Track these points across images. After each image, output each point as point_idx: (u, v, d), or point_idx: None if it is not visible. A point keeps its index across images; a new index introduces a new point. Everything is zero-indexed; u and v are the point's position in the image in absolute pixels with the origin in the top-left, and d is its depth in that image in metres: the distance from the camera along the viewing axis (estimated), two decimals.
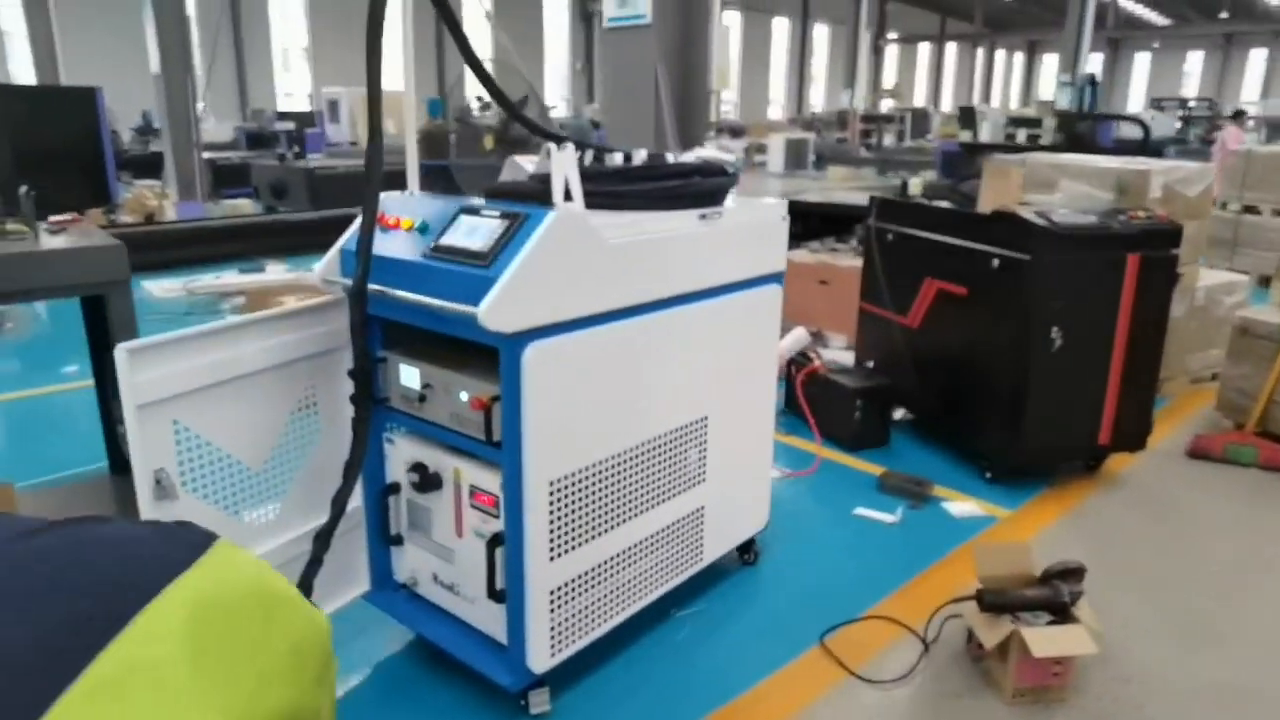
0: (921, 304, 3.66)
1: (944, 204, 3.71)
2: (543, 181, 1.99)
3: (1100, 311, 3.16)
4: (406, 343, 2.14)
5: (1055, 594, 2.18)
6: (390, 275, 1.95)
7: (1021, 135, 14.14)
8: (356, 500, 2.21)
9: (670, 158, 2.34)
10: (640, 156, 2.33)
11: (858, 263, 5.07)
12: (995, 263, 3.22)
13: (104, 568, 0.78)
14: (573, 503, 1.99)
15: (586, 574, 2.08)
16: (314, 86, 22.90)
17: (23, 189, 2.57)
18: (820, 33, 34.48)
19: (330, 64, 22.86)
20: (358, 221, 2.03)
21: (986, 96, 41.56)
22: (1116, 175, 4.06)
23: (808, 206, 5.70)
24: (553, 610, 2.00)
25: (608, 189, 2.09)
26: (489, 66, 2.41)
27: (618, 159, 2.25)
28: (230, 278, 6.79)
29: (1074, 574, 2.23)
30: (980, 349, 3.36)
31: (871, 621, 2.50)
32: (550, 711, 2.07)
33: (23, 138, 2.93)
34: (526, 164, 2.25)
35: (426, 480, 2.08)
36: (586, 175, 1.99)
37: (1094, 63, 24.99)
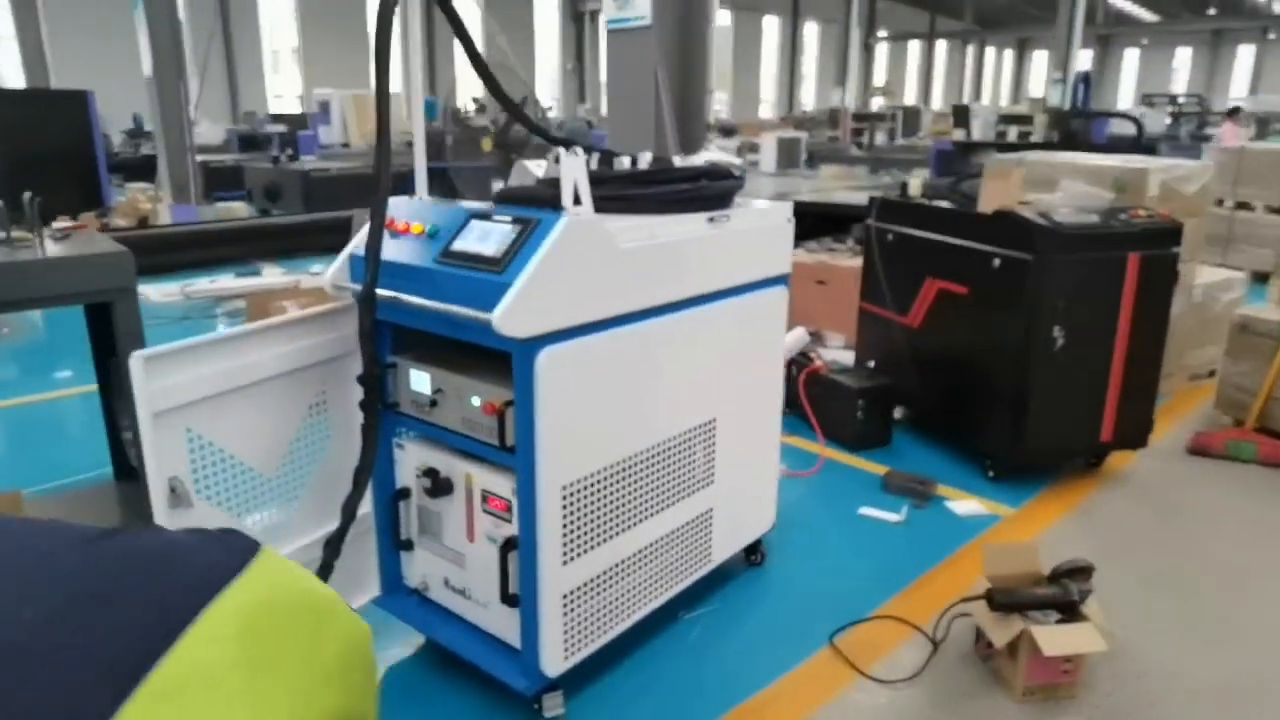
0: (922, 304, 3.67)
1: (944, 204, 3.71)
2: (552, 186, 2.00)
3: (1102, 310, 3.18)
4: (416, 347, 2.14)
5: (1064, 592, 2.19)
6: (401, 281, 1.95)
7: (1012, 133, 14.20)
8: (367, 505, 2.21)
9: (677, 161, 2.35)
10: (646, 159, 2.34)
11: (855, 262, 5.09)
12: (996, 262, 3.23)
13: (160, 574, 0.78)
14: (585, 507, 1.99)
15: (598, 577, 2.08)
16: (305, 88, 22.83)
17: (26, 196, 2.57)
18: (810, 31, 34.53)
19: (321, 65, 22.81)
20: (366, 227, 2.02)
21: (977, 94, 41.68)
22: (1115, 174, 4.08)
23: (805, 206, 5.71)
24: (566, 614, 2.01)
25: (617, 193, 2.10)
26: (505, 73, 2.41)
27: (625, 163, 2.25)
28: (226, 281, 6.77)
29: (1082, 572, 2.25)
30: (982, 348, 3.38)
31: (880, 621, 2.52)
32: (564, 714, 2.08)
33: (14, 142, 2.93)
34: (535, 168, 2.25)
35: (438, 485, 2.09)
36: (595, 179, 2.00)
37: (1084, 59, 25.15)
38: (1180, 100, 27.87)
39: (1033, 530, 3.07)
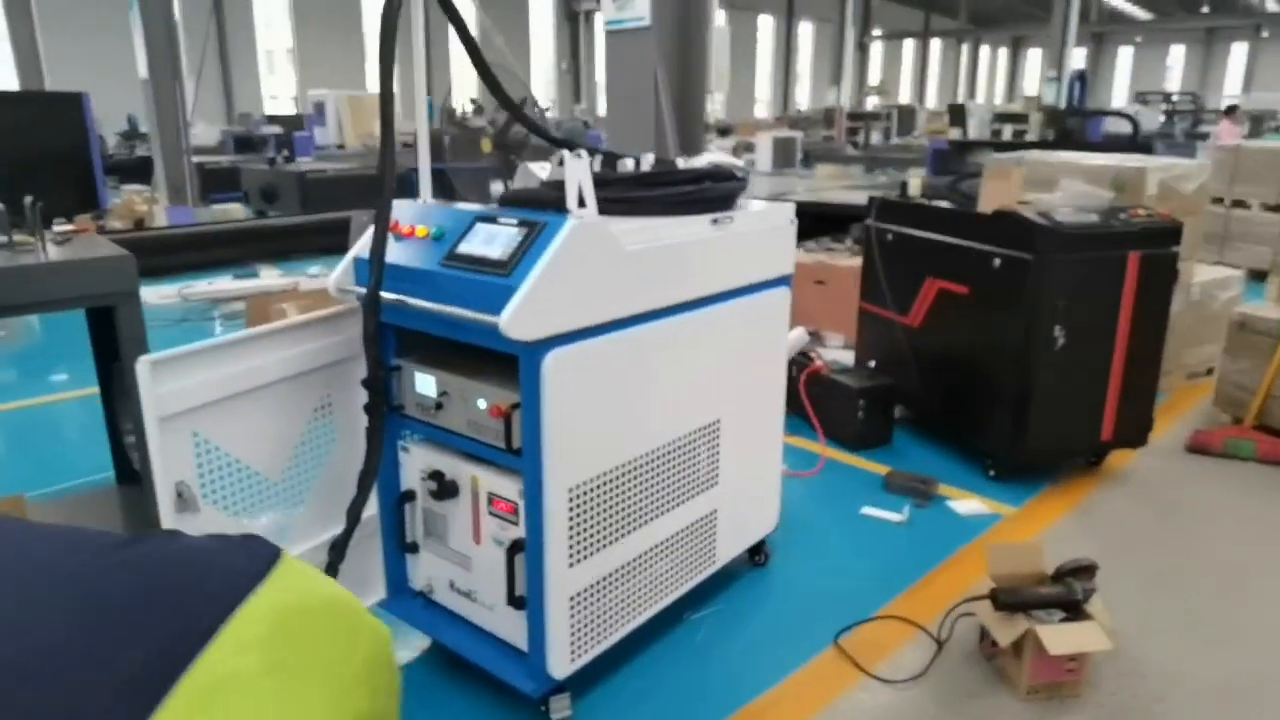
0: (923, 304, 3.68)
1: (944, 204, 3.72)
2: (556, 188, 2.00)
3: (1102, 309, 3.19)
4: (419, 349, 2.14)
5: (1069, 591, 2.20)
6: (407, 284, 1.95)
7: (1007, 131, 14.21)
8: (371, 509, 2.21)
9: (681, 163, 2.36)
10: (648, 161, 2.34)
11: (854, 262, 5.10)
12: (997, 262, 3.24)
13: (187, 581, 0.78)
14: (591, 508, 1.99)
15: (605, 579, 2.08)
16: (299, 89, 22.78)
17: (28, 199, 2.56)
18: (805, 30, 34.56)
19: (315, 66, 22.76)
20: (370, 229, 2.02)
21: (971, 93, 41.76)
22: (1113, 173, 4.09)
23: (803, 206, 5.71)
24: (572, 616, 2.01)
25: (621, 195, 2.10)
26: (501, 74, 2.40)
27: (629, 165, 2.25)
28: (224, 283, 6.76)
29: (1086, 571, 2.25)
30: (983, 348, 3.38)
31: (884, 621, 2.52)
32: (571, 716, 2.08)
33: (9, 145, 2.91)
34: (539, 171, 2.25)
35: (443, 488, 2.09)
36: (599, 181, 2.00)
37: (1078, 57, 25.21)
38: (1174, 98, 27.97)
39: (1034, 529, 3.08)
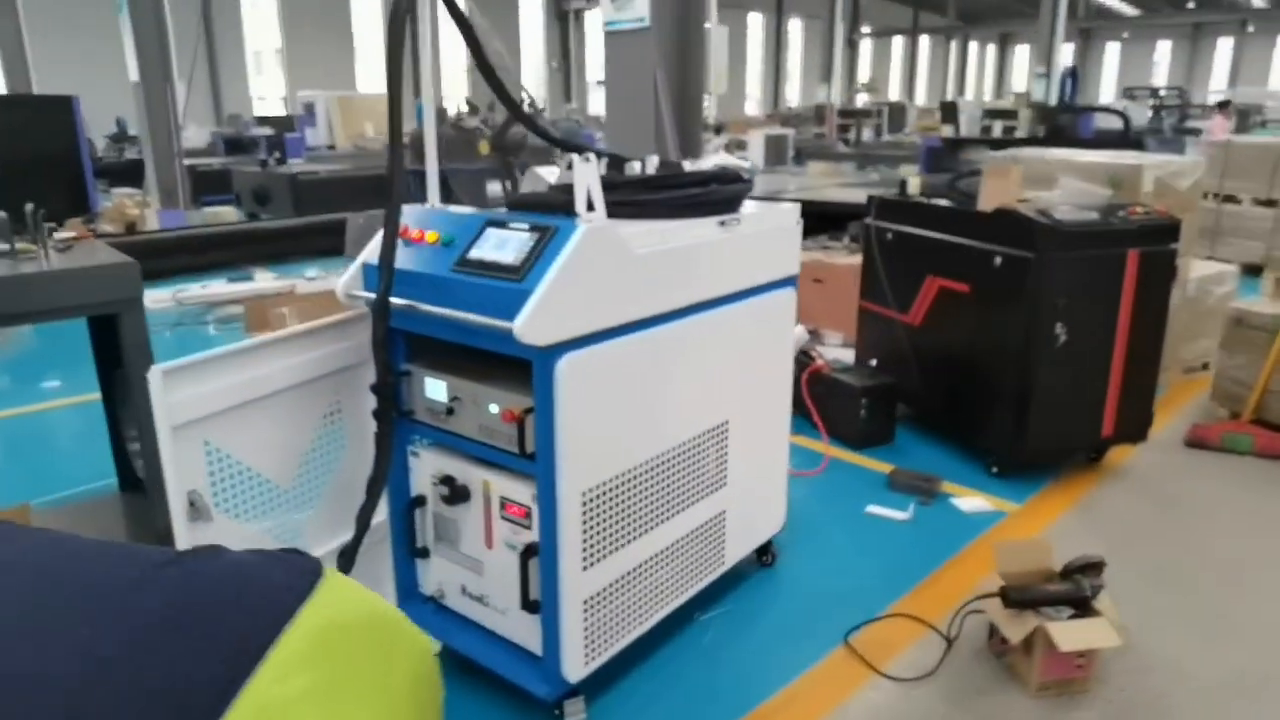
0: (923, 302, 3.69)
1: (943, 202, 3.73)
2: (564, 192, 2.00)
3: (1102, 307, 3.21)
4: (427, 354, 2.13)
5: (1077, 588, 2.21)
6: (417, 289, 1.95)
7: (997, 128, 14.25)
8: (381, 515, 2.20)
9: (687, 165, 2.36)
10: (653, 163, 2.34)
11: (852, 260, 5.11)
12: (998, 260, 3.26)
13: (231, 603, 0.77)
14: (604, 512, 2.00)
15: (617, 582, 2.09)
16: (289, 89, 22.69)
17: (29, 207, 2.55)
18: (794, 27, 34.60)
19: (304, 66, 22.67)
20: (379, 235, 2.02)
21: (961, 89, 41.88)
22: (1109, 170, 4.11)
23: (801, 205, 5.74)
24: (586, 619, 2.01)
25: (628, 198, 2.10)
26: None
27: (635, 168, 2.26)
28: (218, 287, 6.71)
29: (1094, 568, 2.27)
30: (984, 345, 3.40)
31: (893, 620, 2.53)
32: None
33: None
34: (548, 174, 2.25)
35: (455, 493, 2.08)
36: (607, 185, 2.00)
37: (1066, 53, 25.29)
38: (1161, 93, 28.08)
39: (1037, 526, 3.10)
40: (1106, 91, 38.32)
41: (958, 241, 3.45)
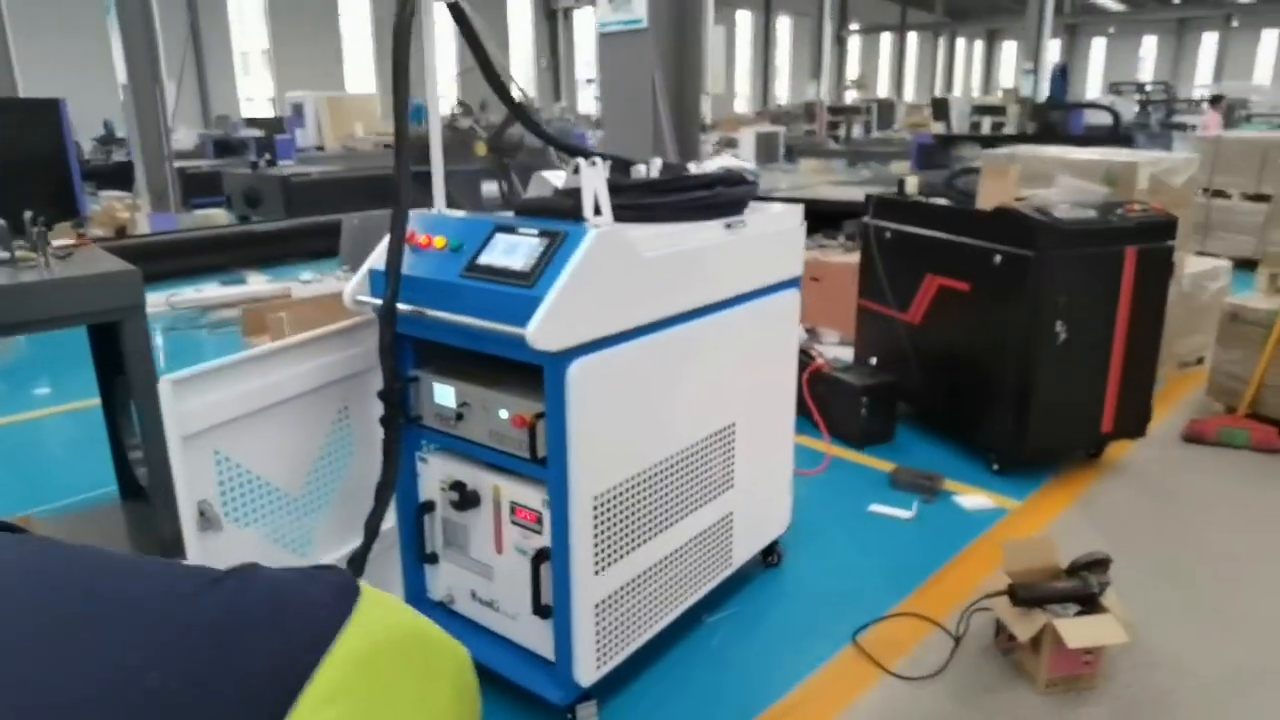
0: (923, 300, 3.71)
1: (941, 201, 3.75)
2: (570, 196, 2.00)
3: (1102, 304, 3.23)
4: (433, 358, 2.13)
5: (1084, 585, 2.22)
6: (425, 295, 1.94)
7: (986, 124, 14.30)
8: (388, 521, 2.20)
9: (692, 167, 2.36)
10: (656, 166, 2.35)
11: (848, 259, 5.12)
12: (997, 259, 3.27)
13: (273, 628, 0.76)
14: (615, 516, 2.00)
15: (628, 585, 2.09)
16: (277, 90, 22.55)
17: (28, 214, 2.53)
18: (783, 24, 34.62)
19: (292, 67, 22.53)
20: (385, 241, 2.01)
21: (949, 86, 42.01)
22: (1104, 167, 4.13)
23: (795, 204, 5.75)
24: (598, 623, 2.01)
25: (635, 202, 2.10)
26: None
27: (641, 171, 2.26)
28: (211, 290, 6.68)
29: (1100, 564, 2.28)
30: (984, 343, 3.41)
31: (900, 618, 2.54)
32: None
33: None
34: (554, 178, 2.25)
35: (465, 498, 2.08)
36: (613, 188, 2.00)
37: (1052, 49, 25.42)
38: (1147, 88, 28.23)
39: (1040, 523, 3.11)
40: (1093, 87, 38.49)
41: (957, 240, 3.47)
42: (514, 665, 2.10)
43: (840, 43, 32.25)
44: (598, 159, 2.01)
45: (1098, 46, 41.95)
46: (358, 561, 2.01)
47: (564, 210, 1.98)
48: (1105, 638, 2.16)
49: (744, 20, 33.24)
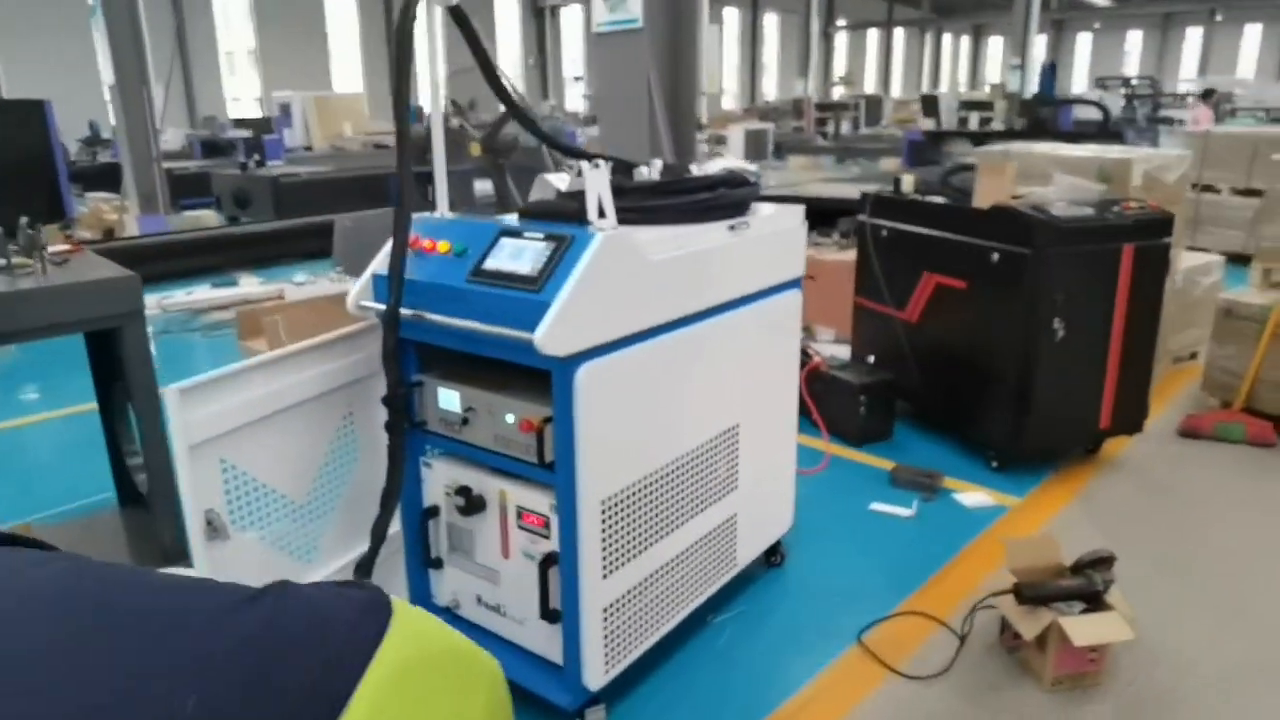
0: (920, 299, 3.72)
1: (937, 199, 3.75)
2: (574, 199, 1.99)
3: (1099, 301, 3.24)
4: (437, 363, 2.12)
5: (1089, 583, 2.23)
6: (430, 300, 1.93)
7: (974, 119, 14.33)
8: (393, 526, 2.19)
9: (694, 169, 2.36)
10: (656, 167, 2.34)
11: (844, 256, 5.13)
12: (995, 257, 3.28)
13: (308, 651, 0.75)
14: (622, 519, 1.99)
15: (635, 588, 2.09)
16: (264, 90, 22.41)
17: (23, 220, 2.50)
18: (770, 21, 34.64)
19: (278, 66, 22.39)
20: (388, 246, 2.00)
21: (935, 82, 42.11)
22: (1097, 164, 4.15)
23: (790, 202, 5.76)
24: (606, 626, 2.01)
25: (639, 204, 2.09)
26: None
27: (644, 173, 2.25)
28: (203, 293, 6.64)
29: (1104, 562, 2.30)
30: (982, 341, 3.43)
31: (904, 617, 2.55)
32: None
33: None
34: (558, 182, 2.24)
35: (471, 503, 2.07)
36: (618, 191, 1.99)
37: (1038, 44, 25.49)
38: (1133, 82, 28.37)
39: (1040, 519, 3.13)
40: (1079, 82, 38.65)
41: (954, 238, 3.48)
42: (521, 670, 2.10)
43: (827, 39, 32.29)
44: (601, 161, 2.00)
45: (1083, 42, 42.13)
46: (365, 567, 2.00)
47: (568, 213, 1.97)
48: (1111, 635, 2.17)
49: (731, 17, 33.23)
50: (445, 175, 2.21)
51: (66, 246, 2.65)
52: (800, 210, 2.52)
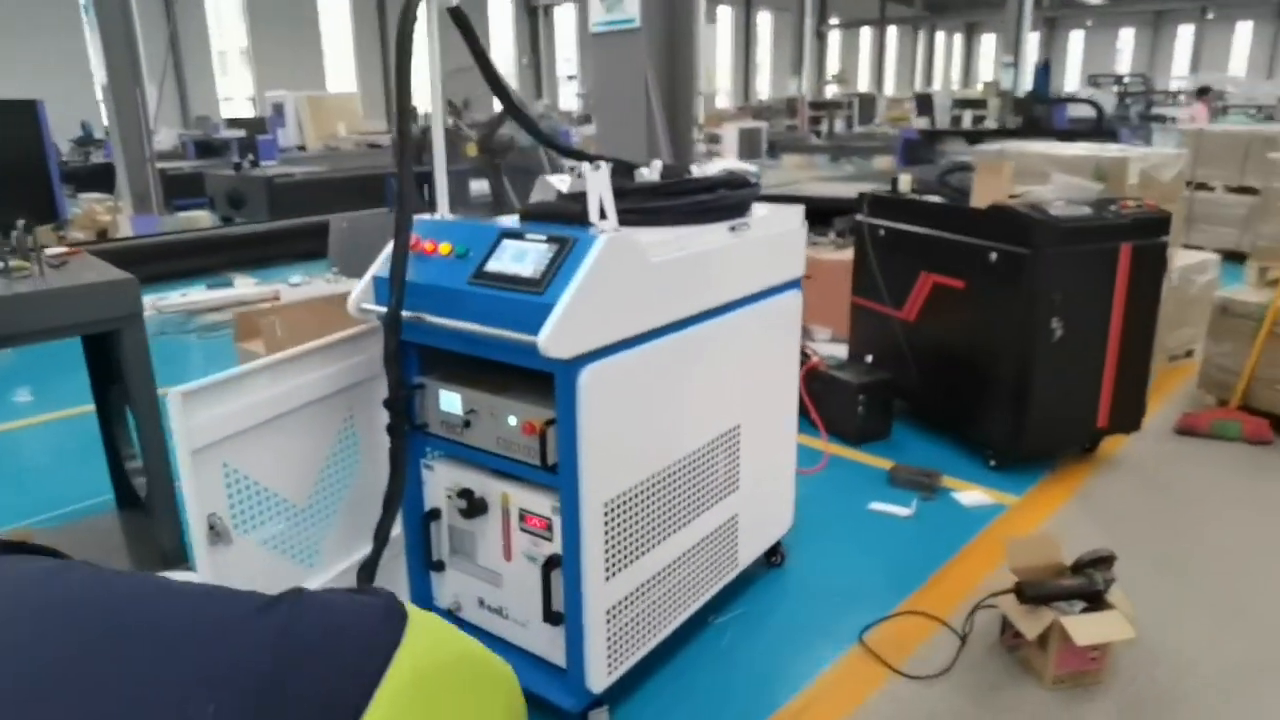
0: (917, 298, 3.72)
1: (934, 198, 3.76)
2: (575, 200, 1.99)
3: (1097, 300, 3.25)
4: (438, 365, 2.12)
5: (1090, 582, 2.24)
6: (432, 302, 1.93)
7: (967, 117, 14.35)
8: (395, 528, 2.18)
9: (695, 170, 2.36)
10: (655, 168, 2.34)
11: (840, 256, 5.13)
12: (993, 256, 3.29)
13: (326, 658, 0.75)
14: (625, 521, 1.99)
15: (638, 590, 2.09)
16: (256, 90, 22.34)
17: (20, 223, 2.49)
18: (763, 20, 34.64)
19: (271, 66, 22.32)
20: (388, 248, 2.00)
21: (929, 80, 42.18)
22: (1094, 163, 4.16)
23: (786, 201, 5.76)
24: (609, 629, 2.01)
25: (640, 206, 2.10)
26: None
27: (644, 174, 2.25)
28: (198, 294, 6.61)
29: (1105, 562, 2.30)
30: (981, 341, 3.43)
31: (905, 617, 2.55)
32: None
33: None
34: (559, 183, 2.24)
35: (473, 506, 2.07)
36: (619, 192, 1.99)
37: (1031, 42, 25.54)
38: (1125, 80, 28.45)
39: (1038, 518, 3.14)
40: (1071, 80, 38.75)
41: (952, 238, 3.48)
42: (524, 672, 2.06)
43: (820, 37, 32.28)
44: (602, 163, 2.00)
45: (1076, 39, 42.23)
46: (367, 570, 2.00)
47: (570, 215, 1.97)
48: (1113, 634, 2.18)
49: (724, 15, 33.23)
50: (445, 177, 2.20)
51: (64, 249, 2.63)
52: (800, 211, 2.53)
